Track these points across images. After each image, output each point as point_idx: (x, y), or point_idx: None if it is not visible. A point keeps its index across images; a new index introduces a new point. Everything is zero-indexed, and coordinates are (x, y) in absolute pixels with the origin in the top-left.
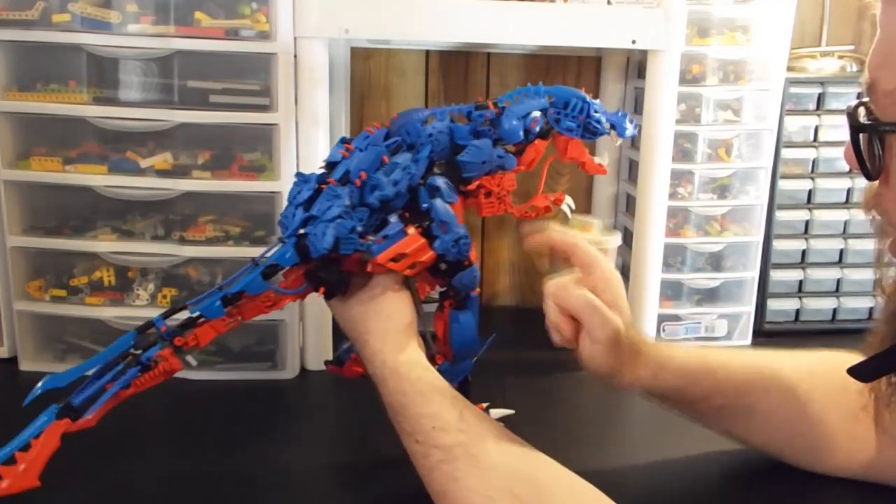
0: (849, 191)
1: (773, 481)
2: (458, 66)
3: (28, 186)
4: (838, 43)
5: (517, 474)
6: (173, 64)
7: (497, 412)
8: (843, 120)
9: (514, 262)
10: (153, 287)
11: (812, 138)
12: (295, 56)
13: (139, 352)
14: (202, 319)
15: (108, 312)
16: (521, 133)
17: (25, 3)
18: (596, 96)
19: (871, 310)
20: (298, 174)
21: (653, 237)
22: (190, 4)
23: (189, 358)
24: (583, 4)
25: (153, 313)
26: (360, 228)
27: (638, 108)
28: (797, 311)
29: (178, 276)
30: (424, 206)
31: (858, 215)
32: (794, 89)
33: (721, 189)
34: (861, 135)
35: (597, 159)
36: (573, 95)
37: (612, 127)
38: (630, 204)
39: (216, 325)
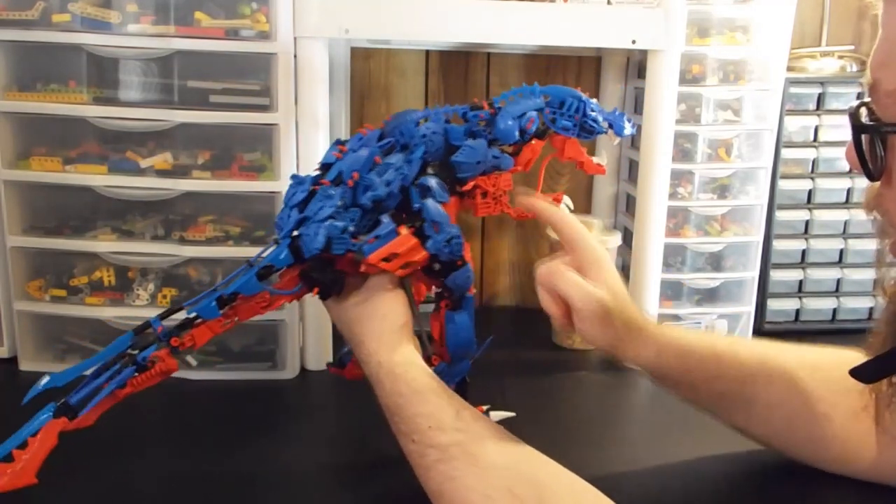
0: (849, 191)
1: (774, 482)
2: (458, 66)
3: (28, 186)
4: (838, 43)
5: (516, 473)
6: (173, 64)
7: (498, 414)
8: (843, 120)
9: (514, 262)
10: (153, 287)
11: (812, 138)
12: (295, 56)
13: (136, 352)
14: (199, 320)
15: (108, 312)
16: (517, 133)
17: (25, 3)
18: (596, 96)
19: (871, 310)
20: (294, 176)
21: (653, 237)
22: (190, 4)
23: (189, 358)
24: (583, 4)
25: (153, 313)
26: (351, 228)
27: (638, 108)
28: (797, 311)
29: (178, 276)
30: (416, 206)
31: (858, 215)
32: (794, 89)
33: (721, 189)
34: (863, 135)
35: (595, 159)
36: (569, 95)
37: (610, 126)
38: (630, 204)
39: (212, 325)
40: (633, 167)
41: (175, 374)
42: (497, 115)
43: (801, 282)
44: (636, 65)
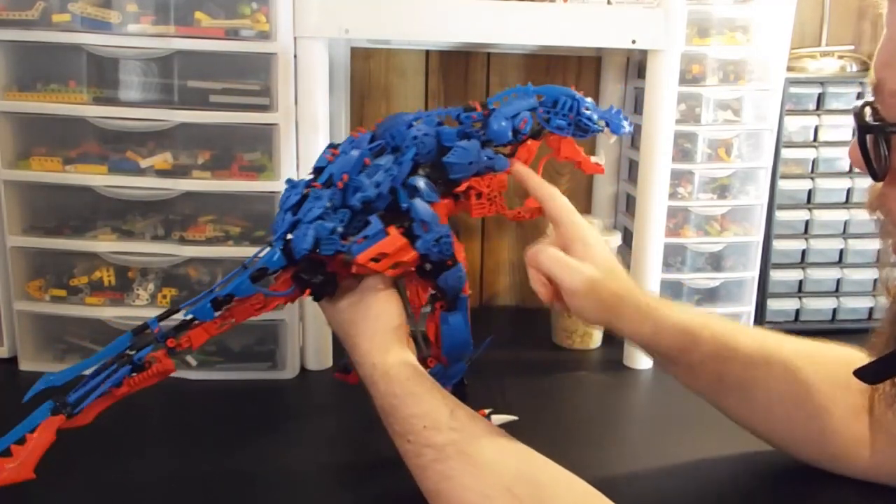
0: (849, 191)
1: (775, 483)
2: (458, 66)
3: (28, 186)
4: (838, 43)
5: (514, 472)
6: (173, 64)
7: (500, 418)
8: (843, 120)
9: (514, 262)
10: (153, 287)
11: (812, 138)
12: (295, 56)
13: (133, 352)
14: (195, 322)
15: (108, 312)
16: (510, 133)
17: (25, 3)
18: (596, 96)
19: (871, 310)
20: (289, 180)
21: (653, 237)
22: (190, 4)
23: (189, 358)
24: (583, 4)
25: (153, 313)
26: (340, 229)
27: (638, 108)
28: (797, 311)
29: (178, 276)
30: (404, 205)
31: (858, 215)
32: (794, 89)
33: (721, 189)
34: (867, 135)
35: (594, 158)
36: (562, 94)
37: (607, 124)
38: (630, 204)
39: (208, 327)
40: (633, 167)
41: (175, 374)
42: (490, 116)
43: (801, 282)
44: (636, 65)
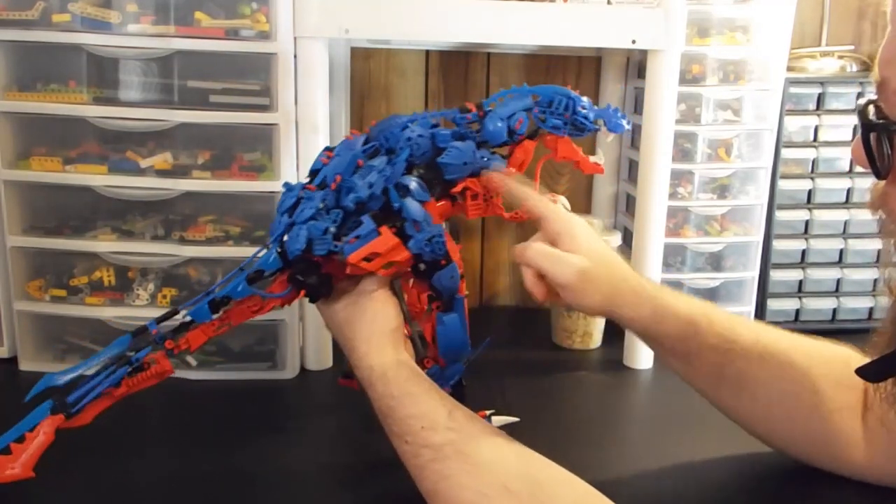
0: (849, 191)
1: (774, 483)
2: (458, 66)
3: (28, 186)
4: (838, 43)
5: (511, 470)
6: (173, 64)
7: (501, 419)
8: (843, 120)
9: (514, 263)
10: (153, 287)
11: (812, 138)
12: (295, 56)
13: (132, 353)
14: (193, 324)
15: (108, 312)
16: (506, 134)
17: (25, 3)
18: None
19: (871, 310)
20: (286, 184)
21: (653, 237)
22: (190, 4)
23: (189, 358)
24: (583, 4)
25: (153, 313)
26: (333, 229)
27: (638, 108)
28: (797, 311)
29: (178, 276)
30: (396, 205)
31: (858, 215)
32: (794, 89)
33: (721, 189)
34: (871, 133)
35: (593, 158)
36: (557, 93)
37: (604, 123)
38: (630, 204)
39: (206, 329)
40: (633, 167)
41: (175, 374)
42: (486, 117)
43: (801, 282)
44: (636, 65)
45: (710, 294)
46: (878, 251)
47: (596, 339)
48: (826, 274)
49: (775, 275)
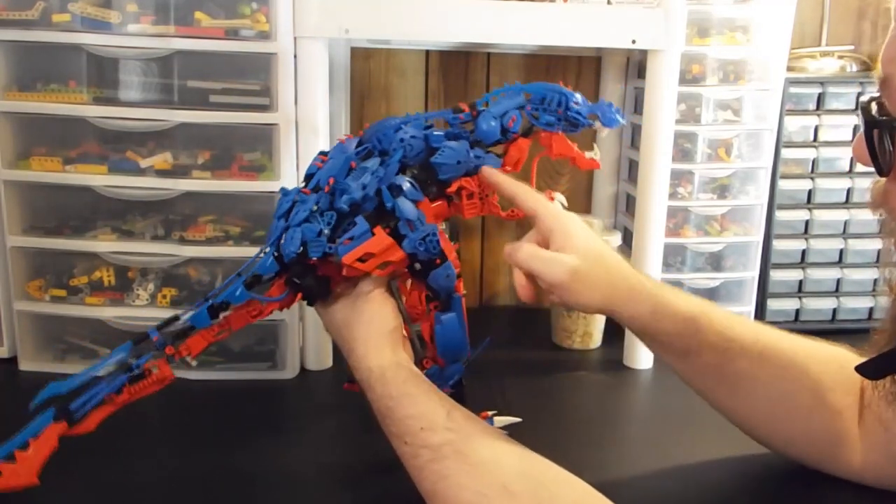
0: (849, 191)
1: (775, 484)
2: (458, 66)
3: (28, 186)
4: (838, 43)
5: (510, 470)
6: (173, 64)
7: (503, 420)
8: (843, 120)
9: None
10: (153, 287)
11: (812, 138)
12: (295, 56)
13: (133, 360)
14: (193, 330)
15: (108, 312)
16: (499, 133)
17: (25, 3)
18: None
19: (871, 310)
20: (282, 189)
21: (653, 237)
22: (190, 4)
23: (188, 358)
24: (583, 4)
25: (153, 313)
26: (327, 231)
27: (638, 108)
28: (797, 311)
29: (178, 276)
30: (389, 205)
31: (858, 215)
32: (794, 89)
33: (721, 189)
34: (874, 130)
35: (588, 154)
36: (550, 90)
37: (598, 118)
38: (630, 204)
39: (205, 334)
40: (633, 167)
41: (175, 375)
42: (479, 116)
43: (801, 282)
44: (636, 65)
45: (710, 294)
46: (878, 251)
47: (596, 339)
48: (826, 274)
49: (775, 275)
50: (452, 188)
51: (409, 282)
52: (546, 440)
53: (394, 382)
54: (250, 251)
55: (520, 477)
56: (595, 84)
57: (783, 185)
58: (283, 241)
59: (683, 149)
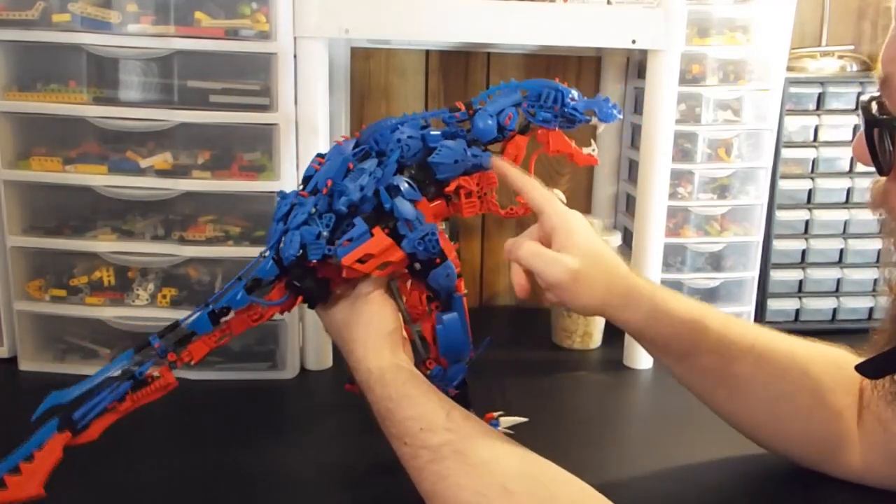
0: (849, 191)
1: (774, 484)
2: (458, 66)
3: (28, 186)
4: (838, 43)
5: (510, 470)
6: (173, 64)
7: (509, 420)
8: (843, 120)
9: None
10: (153, 287)
11: (812, 138)
12: (295, 56)
13: (135, 368)
14: (195, 336)
15: (108, 312)
16: (496, 131)
17: (25, 3)
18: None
19: (871, 310)
20: (280, 192)
21: (653, 237)
22: (190, 4)
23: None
24: (583, 4)
25: (153, 313)
26: (326, 234)
27: (638, 108)
28: (797, 311)
29: (178, 276)
30: (387, 206)
31: (858, 215)
32: (794, 89)
33: (721, 189)
34: (874, 129)
35: (586, 150)
36: (545, 86)
37: (595, 113)
38: (630, 204)
39: (207, 340)
40: (633, 167)
41: (175, 374)
42: (475, 114)
43: (801, 282)
44: (636, 65)
45: (710, 294)
46: (878, 251)
47: (596, 339)
48: (826, 274)
49: (775, 275)
50: (451, 187)
51: (409, 282)
52: (546, 440)
53: (393, 384)
54: (250, 251)
55: (519, 477)
56: (595, 84)
57: (783, 185)
58: (282, 245)
59: (683, 149)
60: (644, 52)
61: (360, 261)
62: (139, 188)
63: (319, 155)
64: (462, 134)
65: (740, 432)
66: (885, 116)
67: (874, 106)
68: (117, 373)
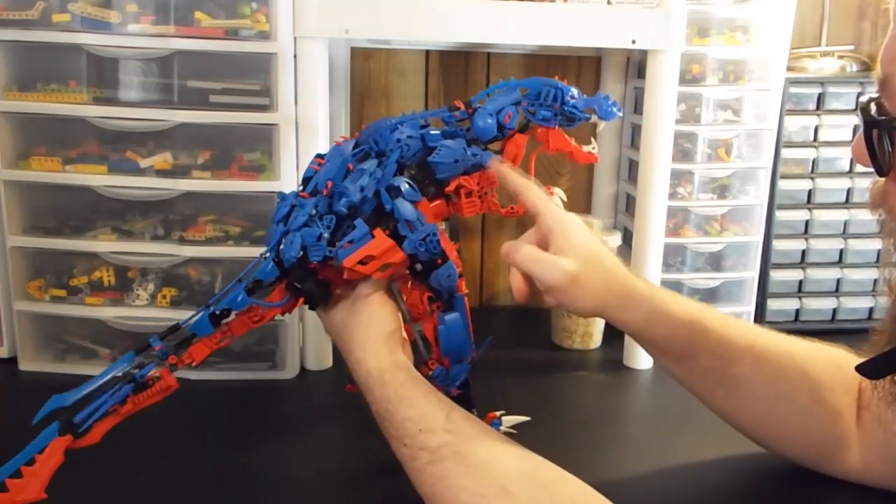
0: (849, 191)
1: (774, 484)
2: (458, 66)
3: (28, 186)
4: (838, 43)
5: (509, 471)
6: (173, 64)
7: (512, 419)
8: (843, 120)
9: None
10: (153, 287)
11: (812, 138)
12: (295, 56)
13: (136, 371)
14: (196, 338)
15: (108, 312)
16: (495, 129)
17: (25, 3)
18: None
19: (871, 310)
20: (280, 194)
21: (653, 237)
22: (190, 4)
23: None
24: (583, 4)
25: (153, 313)
26: (326, 235)
27: (638, 108)
28: (797, 311)
29: (178, 276)
30: (388, 206)
31: (858, 215)
32: (794, 89)
33: (721, 189)
34: (873, 130)
35: (586, 147)
36: (545, 84)
37: (595, 111)
38: (630, 204)
39: (208, 342)
40: (633, 167)
41: (175, 374)
42: (474, 113)
43: (801, 282)
44: (636, 65)
45: (710, 294)
46: (878, 251)
47: (596, 339)
48: (826, 274)
49: (775, 275)
50: (451, 187)
51: (409, 282)
52: (546, 440)
53: (392, 385)
54: (250, 251)
55: (519, 477)
56: (595, 84)
57: (783, 185)
58: (282, 246)
59: (683, 149)
60: (644, 52)
61: (362, 262)
62: (139, 188)
63: (319, 155)
64: (462, 133)
65: (740, 432)
66: (884, 117)
67: (873, 107)
68: (119, 375)
